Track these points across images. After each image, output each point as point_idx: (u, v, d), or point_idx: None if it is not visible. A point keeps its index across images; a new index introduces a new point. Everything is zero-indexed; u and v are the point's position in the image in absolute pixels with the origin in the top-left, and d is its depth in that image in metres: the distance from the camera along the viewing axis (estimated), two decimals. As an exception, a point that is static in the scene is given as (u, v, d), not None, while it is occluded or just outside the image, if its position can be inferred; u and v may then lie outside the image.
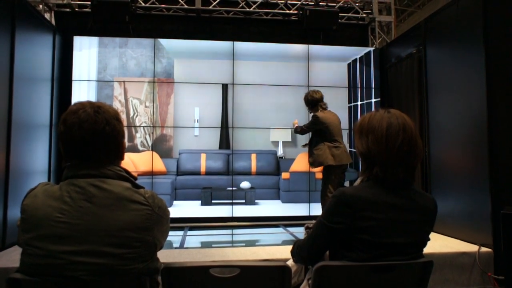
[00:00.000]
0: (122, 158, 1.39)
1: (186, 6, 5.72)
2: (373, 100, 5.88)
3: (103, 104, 1.34)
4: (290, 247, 1.66)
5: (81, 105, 1.31)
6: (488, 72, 3.44)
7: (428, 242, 1.48)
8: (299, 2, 5.97)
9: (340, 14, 5.78)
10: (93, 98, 5.29)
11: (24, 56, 4.05)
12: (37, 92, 4.50)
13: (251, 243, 4.75)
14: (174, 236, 4.54)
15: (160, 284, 1.35)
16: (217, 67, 5.77)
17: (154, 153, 5.54)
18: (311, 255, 1.50)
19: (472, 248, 3.43)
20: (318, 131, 4.42)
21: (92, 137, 1.27)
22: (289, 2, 6.01)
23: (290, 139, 5.94)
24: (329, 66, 6.02)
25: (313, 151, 4.43)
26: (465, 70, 3.76)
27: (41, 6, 5.42)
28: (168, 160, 5.70)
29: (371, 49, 5.98)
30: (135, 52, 5.61)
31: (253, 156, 5.93)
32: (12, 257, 3.22)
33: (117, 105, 5.50)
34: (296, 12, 5.94)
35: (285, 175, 5.88)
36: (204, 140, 5.78)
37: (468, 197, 3.71)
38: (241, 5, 5.88)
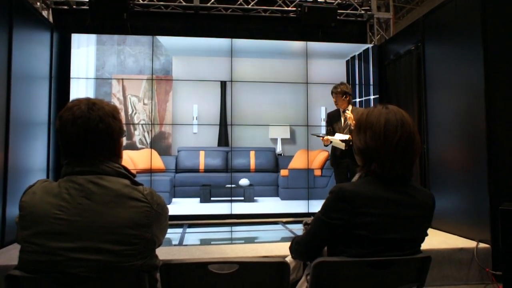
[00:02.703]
0: (119, 156, 1.37)
1: (184, 3, 5.71)
2: (372, 97, 5.88)
3: (100, 101, 1.33)
4: (288, 243, 1.67)
5: (78, 101, 1.30)
6: (486, 69, 3.45)
7: (427, 238, 1.48)
8: (298, -1, 5.96)
9: (338, 11, 5.77)
10: (91, 96, 5.27)
11: (22, 54, 4.04)
12: (35, 90, 4.49)
13: (250, 240, 4.76)
14: (173, 234, 4.55)
15: (158, 281, 1.35)
16: (215, 64, 5.76)
17: (152, 150, 5.54)
18: (310, 251, 1.51)
19: (470, 244, 3.44)
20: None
21: (85, 134, 1.26)
22: (287, -1, 6.00)
23: (288, 136, 5.94)
24: (328, 63, 6.02)
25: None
26: (464, 66, 3.77)
27: (38, 3, 5.40)
28: (167, 158, 5.70)
29: (370, 46, 5.98)
30: (133, 49, 5.60)
31: (252, 153, 5.93)
32: (11, 255, 3.22)
33: (115, 103, 5.49)
34: (294, 9, 5.93)
35: (284, 172, 5.88)
36: (203, 138, 5.78)
37: (466, 193, 3.72)
38: (239, 2, 5.87)
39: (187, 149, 5.83)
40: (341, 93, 4.34)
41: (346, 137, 4.19)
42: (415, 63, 4.71)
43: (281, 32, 6.04)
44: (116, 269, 1.19)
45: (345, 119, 4.35)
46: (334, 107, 4.56)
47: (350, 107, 4.39)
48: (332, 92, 4.44)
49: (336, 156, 4.41)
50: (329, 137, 4.29)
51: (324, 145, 4.46)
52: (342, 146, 4.22)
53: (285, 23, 6.08)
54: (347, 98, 4.36)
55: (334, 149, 4.43)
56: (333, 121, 4.49)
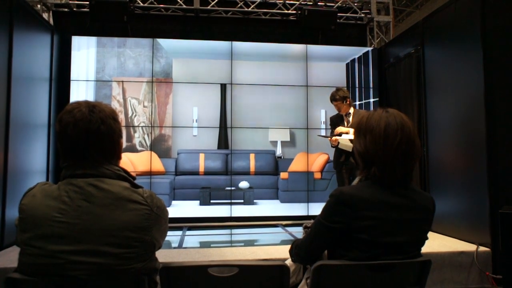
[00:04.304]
0: (119, 157, 1.38)
1: (184, 6, 5.72)
2: (372, 100, 5.89)
3: (99, 103, 1.33)
4: (288, 246, 1.66)
5: (77, 104, 1.30)
6: (486, 72, 3.45)
7: (427, 242, 1.48)
8: (298, 2, 5.97)
9: (338, 14, 5.78)
10: (91, 98, 5.29)
11: (22, 56, 4.05)
12: (35, 92, 4.49)
13: (249, 243, 4.75)
14: (172, 236, 4.54)
15: (158, 284, 1.35)
16: (215, 67, 5.77)
17: (152, 153, 5.54)
18: (310, 254, 1.51)
19: (470, 247, 3.44)
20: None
21: (86, 136, 1.26)
22: (287, 2, 6.01)
23: (288, 139, 5.94)
24: (328, 66, 6.02)
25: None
26: (463, 69, 3.77)
27: (39, 6, 5.41)
28: (167, 160, 5.69)
29: (370, 49, 5.98)
30: (133, 52, 5.60)
31: (252, 156, 5.93)
32: (10, 257, 3.21)
33: (115, 105, 5.49)
34: (294, 12, 5.94)
35: (283, 175, 5.88)
36: (203, 140, 5.78)
37: (466, 196, 3.72)
38: (239, 5, 5.88)
39: (187, 151, 5.83)
40: (341, 99, 4.39)
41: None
42: (415, 66, 4.71)
43: (281, 35, 6.05)
44: (116, 272, 1.19)
45: (348, 122, 4.37)
46: (334, 111, 4.57)
47: (352, 109, 4.44)
48: (331, 101, 4.46)
49: (340, 159, 4.42)
50: (337, 137, 4.28)
51: (332, 146, 4.45)
52: (350, 147, 4.20)
53: (285, 26, 6.09)
54: (348, 102, 4.41)
55: (338, 151, 4.43)
56: (336, 125, 4.49)
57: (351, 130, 4.10)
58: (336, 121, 4.53)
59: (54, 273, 1.17)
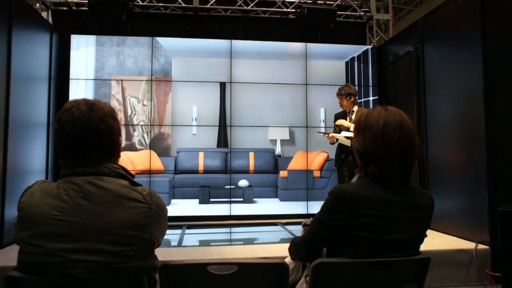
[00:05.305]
0: (118, 156, 1.38)
1: (184, 5, 5.71)
2: (371, 98, 5.89)
3: (97, 101, 1.33)
4: (288, 244, 1.67)
5: (76, 102, 1.30)
6: (485, 70, 3.45)
7: (426, 239, 1.48)
8: (297, 1, 5.96)
9: (338, 12, 5.77)
10: (90, 97, 5.24)
11: (21, 55, 4.04)
12: (35, 91, 4.49)
13: (249, 241, 4.75)
14: (172, 235, 4.54)
15: (157, 282, 1.35)
16: (215, 65, 5.76)
17: (152, 151, 5.54)
18: (309, 252, 1.51)
19: (469, 245, 3.44)
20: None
21: (86, 134, 1.26)
22: (286, 0, 6.00)
23: (288, 138, 5.94)
24: (327, 64, 6.02)
25: None
26: (463, 67, 3.77)
27: (38, 4, 5.40)
28: (166, 159, 5.69)
29: (369, 47, 5.98)
30: (132, 50, 5.60)
31: (251, 154, 5.93)
32: (10, 256, 3.21)
33: (114, 104, 5.49)
34: (294, 10, 5.94)
35: (283, 173, 5.88)
36: (202, 139, 5.78)
37: (465, 195, 3.73)
38: (239, 3, 5.87)
39: (186, 150, 5.83)
40: (345, 94, 4.45)
41: (351, 134, 4.22)
42: (414, 65, 4.71)
43: (281, 33, 6.05)
44: (115, 270, 1.19)
45: (351, 120, 4.41)
46: (334, 109, 4.59)
47: (356, 107, 4.48)
48: (337, 95, 4.53)
49: (340, 156, 4.46)
50: (334, 134, 4.35)
51: (330, 143, 4.52)
52: (348, 143, 4.26)
53: (285, 25, 6.08)
54: (352, 99, 4.45)
55: (339, 149, 4.47)
56: None
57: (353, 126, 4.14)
58: (339, 118, 4.61)
59: (53, 271, 1.17)
